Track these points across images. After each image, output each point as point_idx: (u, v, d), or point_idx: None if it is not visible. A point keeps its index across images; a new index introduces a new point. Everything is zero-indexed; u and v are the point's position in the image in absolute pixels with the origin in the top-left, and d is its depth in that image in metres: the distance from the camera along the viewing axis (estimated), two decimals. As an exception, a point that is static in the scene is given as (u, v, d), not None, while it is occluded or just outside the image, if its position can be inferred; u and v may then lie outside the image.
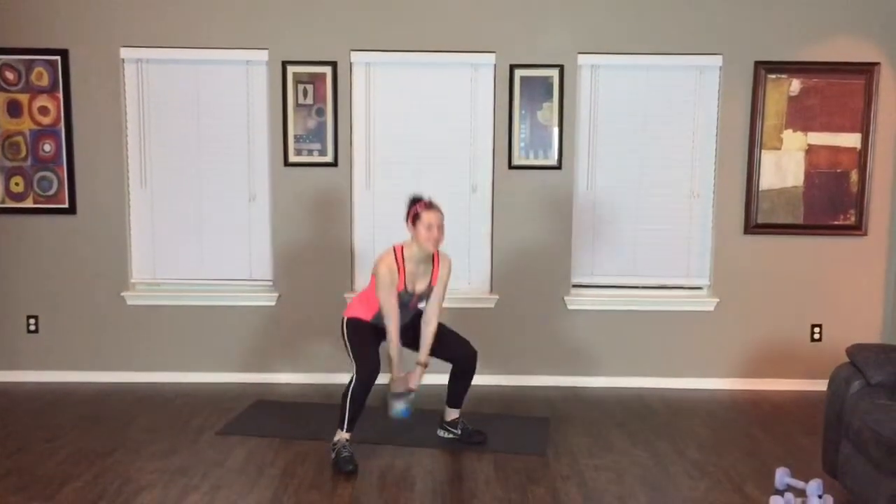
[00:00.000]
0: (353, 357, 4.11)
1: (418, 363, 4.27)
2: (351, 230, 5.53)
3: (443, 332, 4.36)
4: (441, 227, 4.13)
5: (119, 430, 4.58)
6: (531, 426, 4.74)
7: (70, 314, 5.53)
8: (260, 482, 3.89)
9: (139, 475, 3.95)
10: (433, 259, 4.23)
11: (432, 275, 4.24)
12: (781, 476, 3.85)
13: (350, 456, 4.01)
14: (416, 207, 4.13)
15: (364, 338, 4.16)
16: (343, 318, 4.25)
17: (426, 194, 4.23)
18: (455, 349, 4.36)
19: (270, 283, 5.59)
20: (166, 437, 4.48)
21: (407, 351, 4.31)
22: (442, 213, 4.16)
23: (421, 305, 4.30)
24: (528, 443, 4.45)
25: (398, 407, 4.21)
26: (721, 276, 5.55)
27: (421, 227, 4.08)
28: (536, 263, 5.53)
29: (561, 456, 4.27)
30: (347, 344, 4.17)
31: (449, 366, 4.40)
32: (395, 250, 4.15)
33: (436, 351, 4.33)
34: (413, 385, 4.25)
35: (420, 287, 4.21)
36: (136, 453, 4.23)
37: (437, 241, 4.12)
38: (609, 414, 4.99)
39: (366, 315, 4.22)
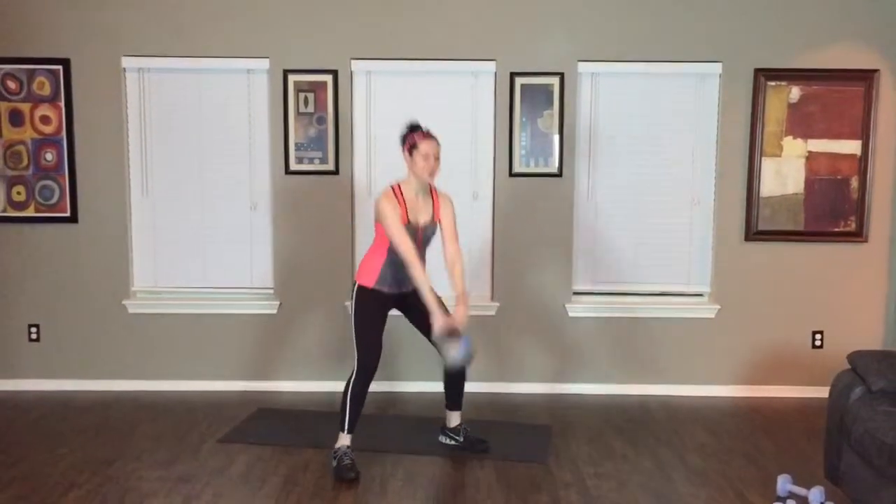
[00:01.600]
0: (355, 342, 4.08)
1: (458, 298, 4.13)
2: (352, 238, 5.53)
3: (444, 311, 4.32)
4: (438, 157, 4.10)
5: (121, 439, 4.58)
6: (533, 434, 4.74)
7: (71, 323, 5.53)
8: (262, 490, 3.89)
9: (141, 483, 3.95)
10: (431, 194, 4.21)
11: (433, 208, 4.19)
12: (783, 483, 3.85)
13: (351, 463, 4.01)
14: (414, 136, 4.10)
15: (368, 319, 4.11)
16: (354, 283, 4.20)
17: (423, 124, 4.19)
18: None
19: (272, 291, 5.60)
20: (168, 445, 4.49)
21: (419, 340, 4.29)
22: (439, 143, 4.12)
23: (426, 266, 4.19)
24: (530, 450, 4.45)
25: (453, 353, 4.00)
26: (722, 283, 5.56)
27: (418, 156, 4.06)
28: (537, 271, 5.53)
29: (563, 463, 4.27)
30: (353, 319, 4.12)
31: (441, 370, 4.39)
32: (392, 187, 4.14)
33: (426, 328, 4.22)
34: (459, 324, 4.05)
35: (423, 219, 4.15)
36: (139, 461, 4.23)
37: (434, 171, 4.10)
38: (611, 421, 4.99)
39: (370, 276, 4.13)
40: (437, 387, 4.54)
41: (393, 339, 4.24)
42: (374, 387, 4.24)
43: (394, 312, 4.25)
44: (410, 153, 4.09)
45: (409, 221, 4.08)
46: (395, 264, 4.10)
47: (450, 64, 5.40)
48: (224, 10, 5.34)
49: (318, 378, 5.53)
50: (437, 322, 4.01)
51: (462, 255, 4.28)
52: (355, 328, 4.12)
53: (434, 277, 4.16)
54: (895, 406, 3.44)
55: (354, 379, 4.07)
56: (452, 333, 4.00)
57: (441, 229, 4.23)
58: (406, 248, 4.01)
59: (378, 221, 4.11)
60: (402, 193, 4.11)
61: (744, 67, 5.40)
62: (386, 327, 4.21)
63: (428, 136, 4.11)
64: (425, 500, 3.83)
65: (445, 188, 5.45)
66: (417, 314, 4.21)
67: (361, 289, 4.15)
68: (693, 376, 5.59)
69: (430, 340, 4.29)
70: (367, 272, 4.16)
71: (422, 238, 4.17)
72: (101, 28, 5.34)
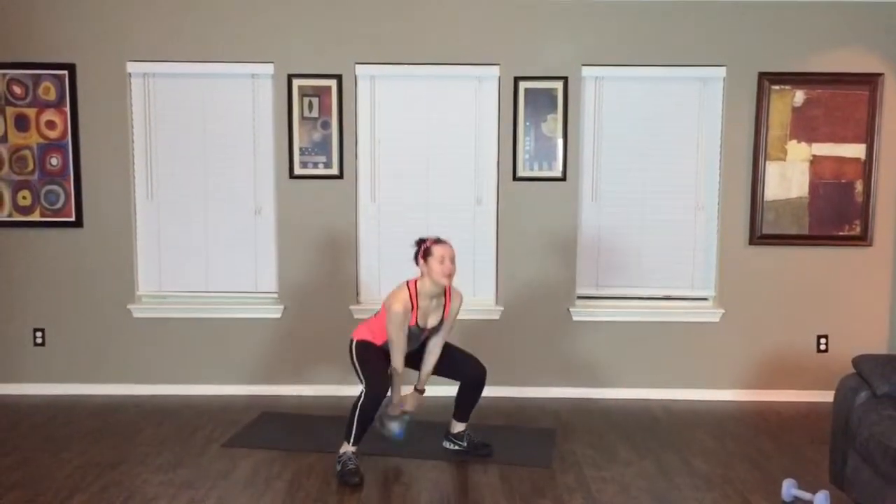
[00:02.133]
0: (363, 375, 4.12)
1: (416, 389, 4.33)
2: (356, 242, 5.54)
3: (450, 352, 4.37)
4: (453, 259, 4.12)
5: (125, 443, 4.58)
6: (537, 438, 4.73)
7: (76, 327, 5.54)
8: (266, 495, 3.89)
9: (145, 487, 3.95)
10: (445, 293, 4.22)
11: (444, 309, 4.24)
12: (788, 487, 3.84)
13: (356, 468, 4.01)
14: (426, 244, 4.14)
15: (373, 357, 4.18)
16: (352, 340, 4.26)
17: (432, 234, 4.26)
18: (462, 369, 4.36)
19: (276, 296, 5.60)
20: (172, 449, 4.49)
21: (410, 371, 4.34)
22: (452, 247, 4.15)
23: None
24: (534, 455, 4.44)
25: (392, 427, 4.29)
26: (726, 287, 5.55)
27: (433, 261, 4.07)
28: (542, 275, 5.53)
29: (567, 468, 4.26)
30: (356, 364, 4.18)
31: (459, 383, 4.42)
32: (408, 286, 4.15)
33: (443, 371, 4.36)
34: (409, 408, 4.32)
35: (431, 322, 4.22)
36: (143, 466, 4.24)
37: (452, 274, 4.12)
38: (615, 425, 4.99)
39: (375, 340, 4.23)
40: (441, 391, 4.54)
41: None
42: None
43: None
44: (425, 260, 4.11)
45: (416, 324, 4.16)
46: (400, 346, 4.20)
47: (454, 69, 5.41)
48: (229, 15, 5.36)
49: (322, 382, 5.54)
50: (394, 400, 4.25)
51: (443, 343, 4.35)
52: (361, 367, 4.16)
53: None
54: (900, 410, 3.43)
55: (363, 402, 4.06)
56: (401, 413, 4.30)
57: (442, 318, 4.29)
58: (397, 341, 4.11)
59: (386, 309, 4.16)
60: (416, 297, 4.13)
61: (748, 71, 5.40)
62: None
63: (440, 241, 4.15)
64: (429, 504, 3.83)
65: (450, 193, 5.49)
66: (417, 354, 4.34)
67: (362, 341, 4.24)
68: (697, 380, 5.58)
69: (464, 385, 4.40)
70: (370, 337, 4.25)
71: (426, 336, 4.28)
72: (106, 33, 5.36)
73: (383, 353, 4.22)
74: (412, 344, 4.24)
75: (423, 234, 4.28)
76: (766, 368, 5.58)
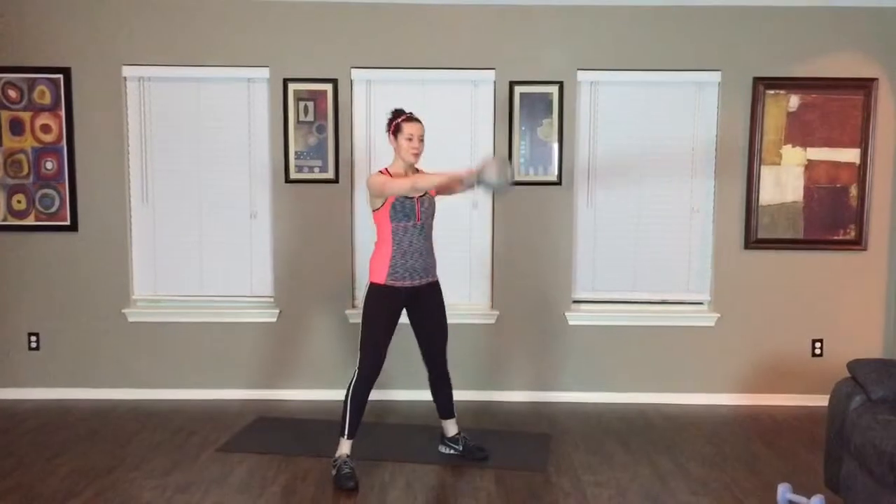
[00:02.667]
0: (361, 344, 4.11)
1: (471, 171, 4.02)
2: (352, 246, 5.54)
3: (438, 304, 4.33)
4: (422, 139, 4.14)
5: (120, 447, 4.57)
6: (532, 442, 4.73)
7: (71, 331, 5.53)
8: (261, 499, 3.88)
9: (140, 492, 3.94)
10: (417, 171, 4.23)
11: None
12: (783, 492, 3.84)
13: (351, 472, 4.01)
14: (398, 120, 4.15)
15: (377, 319, 4.13)
16: (368, 283, 4.21)
17: (407, 108, 4.24)
18: (434, 330, 4.32)
19: (271, 300, 5.60)
20: (167, 454, 4.48)
21: (411, 346, 4.34)
22: (423, 125, 4.17)
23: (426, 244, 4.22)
24: (530, 459, 4.44)
25: (490, 176, 3.86)
26: (721, 292, 5.56)
27: (402, 138, 4.11)
28: (537, 279, 5.53)
29: (562, 472, 4.26)
30: (362, 319, 4.16)
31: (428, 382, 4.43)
32: (380, 170, 4.20)
33: (419, 319, 4.29)
34: (477, 167, 3.94)
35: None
36: (137, 470, 4.23)
37: (419, 152, 4.14)
38: (610, 429, 4.99)
39: (381, 271, 4.14)
40: (425, 395, 4.54)
41: (394, 346, 4.23)
42: (373, 395, 4.25)
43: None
44: (395, 136, 4.15)
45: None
46: (405, 252, 4.13)
47: (449, 73, 5.42)
48: (224, 20, 5.36)
49: (317, 387, 5.53)
50: (464, 174, 3.95)
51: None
52: (363, 328, 4.15)
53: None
54: (895, 415, 3.44)
55: (355, 383, 4.07)
56: (475, 175, 3.90)
57: (441, 189, 4.22)
58: (403, 182, 3.99)
59: (374, 209, 4.13)
60: (390, 173, 4.15)
61: (743, 76, 5.41)
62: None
63: (412, 118, 4.16)
64: (424, 508, 3.83)
65: (445, 198, 5.48)
66: (425, 313, 4.28)
67: (374, 286, 4.17)
68: (693, 384, 5.58)
69: (424, 350, 4.36)
70: (378, 268, 4.17)
71: (419, 210, 4.15)
72: (101, 37, 5.36)
73: (395, 305, 4.17)
74: (417, 239, 4.13)
75: (399, 107, 4.24)
76: (762, 373, 5.58)
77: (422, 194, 4.15)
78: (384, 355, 4.15)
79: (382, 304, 4.15)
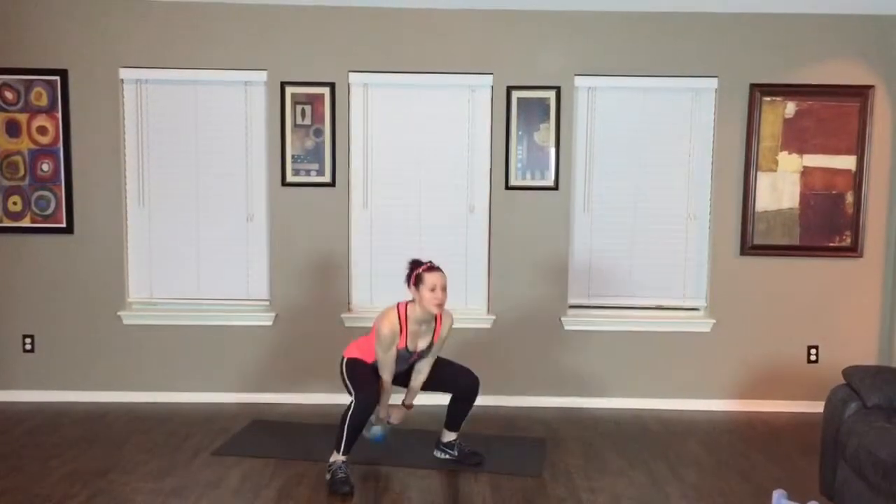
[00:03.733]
0: (352, 388, 4.13)
1: (403, 404, 4.38)
2: (348, 250, 5.54)
3: (441, 365, 4.37)
4: (444, 288, 4.09)
5: (114, 451, 4.56)
6: (528, 447, 4.73)
7: (66, 333, 5.52)
8: (256, 503, 3.87)
9: (134, 496, 3.93)
10: (436, 317, 4.22)
11: (434, 332, 4.23)
12: (778, 498, 3.82)
13: (346, 477, 4.00)
14: (418, 270, 4.11)
15: (362, 373, 4.18)
16: (343, 358, 4.26)
17: (425, 257, 4.25)
18: (454, 382, 4.36)
19: (267, 303, 5.59)
20: (162, 457, 4.47)
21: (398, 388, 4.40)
22: (445, 275, 4.12)
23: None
24: (525, 464, 4.44)
25: (375, 430, 4.31)
26: (717, 298, 5.56)
27: (424, 289, 4.06)
28: (533, 284, 5.53)
29: (558, 477, 4.26)
30: (346, 379, 4.19)
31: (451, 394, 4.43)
32: (398, 308, 4.15)
33: (434, 385, 4.37)
34: (394, 421, 4.37)
35: (421, 345, 4.22)
36: (132, 474, 4.22)
37: (442, 303, 4.10)
38: (606, 435, 4.99)
39: (365, 358, 4.24)
40: (435, 400, 4.53)
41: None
42: (369, 399, 4.25)
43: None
44: (417, 287, 4.10)
45: (405, 347, 4.15)
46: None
47: (447, 77, 5.42)
48: (222, 23, 5.36)
49: (313, 390, 5.52)
50: (384, 411, 4.32)
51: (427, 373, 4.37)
52: (351, 382, 4.17)
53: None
54: (890, 421, 3.45)
55: (353, 411, 4.05)
56: (386, 421, 4.36)
57: (432, 342, 4.28)
58: (385, 362, 4.15)
59: (375, 330, 4.17)
60: (406, 320, 4.13)
61: (739, 82, 5.42)
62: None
63: (433, 268, 4.13)
64: (419, 513, 3.82)
65: (442, 201, 5.49)
66: (429, 377, 4.37)
67: (353, 359, 4.24)
68: (688, 390, 5.58)
69: (453, 393, 4.40)
70: (361, 356, 4.25)
71: (416, 359, 4.28)
72: (98, 39, 5.36)
73: (372, 370, 4.23)
74: (401, 365, 4.25)
75: (418, 256, 4.27)
76: (757, 378, 5.59)
77: (425, 347, 4.23)
78: (378, 390, 4.18)
79: (363, 366, 4.23)
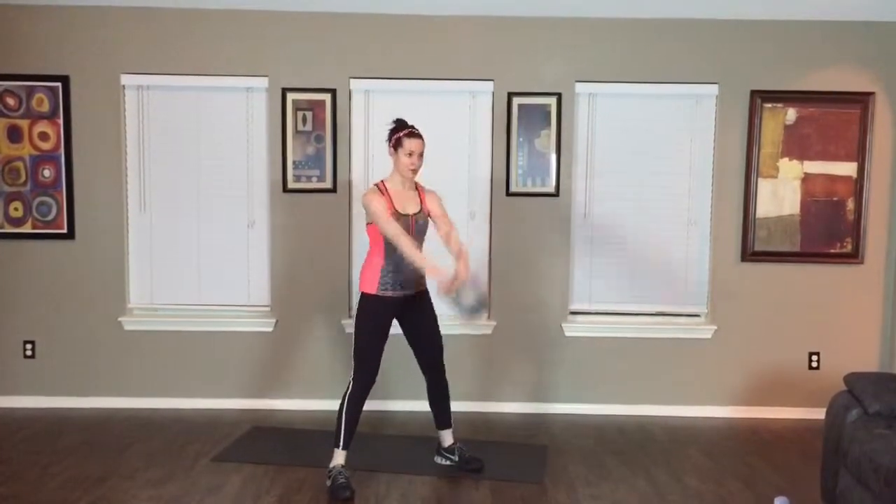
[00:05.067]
0: (355, 357, 4.11)
1: (457, 256, 4.13)
2: (349, 256, 5.54)
3: (429, 313, 4.32)
4: (421, 155, 4.14)
5: (114, 457, 4.56)
6: (529, 454, 4.72)
7: (67, 339, 5.52)
8: (256, 510, 3.87)
9: (134, 502, 3.93)
10: (417, 190, 4.24)
11: (420, 201, 4.22)
12: (780, 505, 3.83)
13: (346, 483, 3.99)
14: (400, 133, 4.14)
15: (370, 329, 4.13)
16: (361, 294, 4.21)
17: (410, 121, 4.23)
18: (424, 342, 4.32)
19: (268, 309, 5.59)
20: (162, 463, 4.46)
21: (408, 356, 4.35)
22: (424, 141, 4.16)
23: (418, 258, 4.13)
24: (526, 471, 4.43)
25: (462, 302, 3.97)
26: (718, 304, 5.56)
27: (402, 153, 4.11)
28: (534, 290, 5.53)
29: (559, 484, 4.25)
30: (355, 332, 4.16)
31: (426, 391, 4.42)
32: (376, 184, 4.21)
33: (412, 329, 4.30)
34: (460, 278, 3.98)
35: (411, 209, 4.16)
36: (132, 480, 4.21)
37: (417, 168, 4.14)
38: (607, 442, 4.98)
39: (372, 282, 4.15)
40: (423, 406, 4.52)
41: (388, 357, 4.23)
42: (369, 405, 4.25)
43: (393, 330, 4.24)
44: (395, 149, 4.15)
45: (396, 211, 4.11)
46: (395, 263, 4.12)
47: (448, 84, 5.43)
48: (224, 29, 5.37)
49: (313, 396, 5.51)
50: (437, 278, 3.95)
51: (456, 228, 4.31)
52: (356, 339, 4.14)
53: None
54: (891, 428, 3.44)
55: (350, 393, 4.07)
56: (452, 288, 3.94)
57: (432, 218, 4.27)
58: (394, 229, 4.02)
59: (368, 222, 4.14)
60: (387, 188, 4.15)
61: (740, 89, 5.43)
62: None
63: (413, 133, 4.15)
64: (420, 520, 3.82)
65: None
66: (417, 322, 4.28)
67: (365, 297, 4.17)
68: (689, 397, 5.57)
69: (421, 359, 4.35)
70: (369, 279, 4.17)
71: (414, 227, 4.16)
72: (100, 45, 5.37)
73: (387, 315, 4.17)
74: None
75: (402, 119, 4.24)
76: (758, 385, 5.58)
77: (416, 211, 4.17)
78: (378, 365, 4.15)
79: (374, 314, 4.16)
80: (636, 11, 5.29)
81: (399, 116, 4.25)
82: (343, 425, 4.06)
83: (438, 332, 4.35)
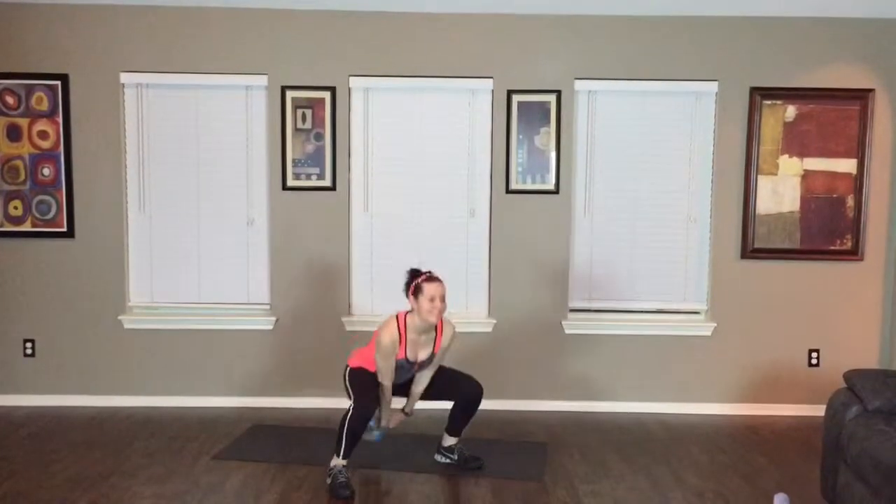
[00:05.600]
0: (353, 393, 4.14)
1: (402, 411, 4.40)
2: (349, 254, 5.54)
3: (444, 374, 4.37)
4: (443, 298, 4.10)
5: (115, 455, 4.56)
6: (529, 451, 4.72)
7: (67, 338, 5.52)
8: (256, 508, 3.87)
9: (135, 500, 3.93)
10: (436, 327, 4.22)
11: (435, 342, 4.24)
12: (780, 502, 3.83)
13: (346, 481, 3.99)
14: (417, 280, 4.12)
15: (364, 380, 4.19)
16: (347, 367, 4.27)
17: (425, 267, 4.24)
18: (457, 391, 4.36)
19: (268, 307, 5.59)
20: (162, 461, 4.46)
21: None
22: (444, 285, 4.13)
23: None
24: (526, 468, 4.43)
25: (373, 432, 4.30)
26: (718, 301, 5.56)
27: (423, 300, 4.07)
28: (534, 288, 5.53)
29: (559, 482, 4.25)
30: (349, 387, 4.19)
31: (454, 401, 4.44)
32: (398, 318, 4.16)
33: (437, 394, 4.38)
34: (392, 425, 4.39)
35: (422, 356, 4.22)
36: (132, 478, 4.21)
37: (441, 313, 4.11)
38: (607, 439, 4.98)
39: (369, 367, 4.24)
40: (437, 405, 4.52)
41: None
42: (370, 404, 4.25)
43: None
44: (416, 297, 4.11)
45: (405, 357, 4.16)
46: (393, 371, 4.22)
47: (447, 81, 5.42)
48: (223, 27, 5.36)
49: (313, 395, 5.52)
50: (386, 416, 4.34)
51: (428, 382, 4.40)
52: (352, 388, 4.18)
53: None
54: (891, 425, 3.44)
55: (352, 414, 4.04)
56: (385, 425, 4.37)
57: (433, 353, 4.29)
58: (385, 370, 4.14)
59: (375, 340, 4.18)
60: (405, 330, 4.14)
61: (740, 86, 5.43)
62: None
63: (431, 278, 4.13)
64: (420, 518, 3.82)
65: (443, 205, 5.49)
66: (432, 387, 4.38)
67: (357, 368, 4.24)
68: (689, 394, 5.58)
69: (459, 404, 4.40)
70: (365, 365, 4.24)
71: (417, 369, 4.28)
72: (99, 44, 5.36)
73: (374, 378, 4.23)
74: (402, 375, 4.25)
75: (417, 266, 4.26)
76: (758, 382, 5.58)
77: (426, 357, 4.23)
78: (378, 397, 4.21)
79: (367, 374, 4.23)
80: (636, 9, 5.29)
81: (413, 267, 4.24)
82: (344, 440, 4.04)
83: (466, 378, 4.38)
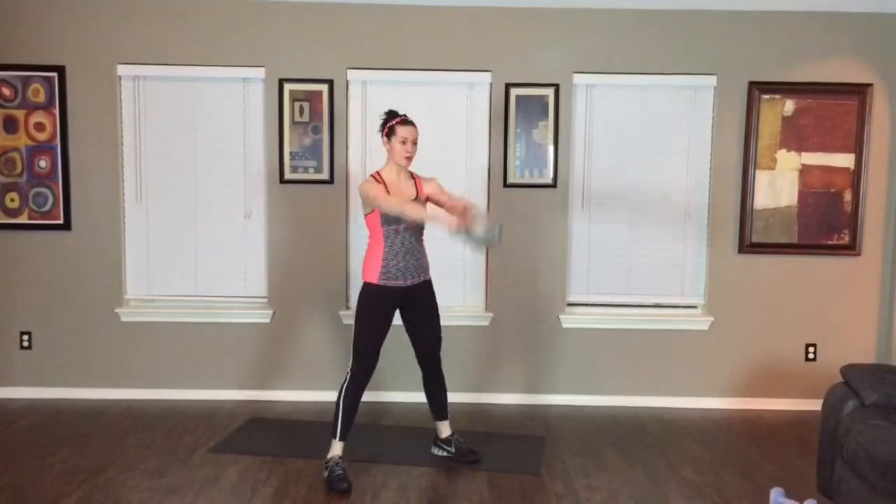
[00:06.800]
0: (354, 346, 4.10)
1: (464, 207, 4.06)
2: (346, 247, 5.53)
3: (429, 307, 4.30)
4: (415, 142, 4.14)
5: (112, 448, 4.56)
6: (526, 445, 4.73)
7: (64, 330, 5.51)
8: (253, 501, 3.87)
9: (131, 493, 3.92)
10: (414, 179, 4.23)
11: (417, 188, 4.21)
12: (776, 496, 3.82)
13: (343, 474, 4.00)
14: (392, 122, 4.14)
15: (371, 319, 4.11)
16: (363, 284, 4.19)
17: (401, 110, 4.23)
18: (422, 335, 4.30)
19: (265, 300, 5.59)
20: (159, 454, 4.46)
21: (405, 347, 4.34)
22: (416, 128, 4.16)
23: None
24: (523, 462, 4.44)
25: (478, 233, 3.87)
26: (715, 295, 5.56)
27: (395, 141, 4.11)
28: (532, 282, 5.53)
29: (555, 475, 4.26)
30: (355, 319, 4.14)
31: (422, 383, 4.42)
32: (372, 174, 4.19)
33: (412, 319, 4.28)
34: (470, 213, 3.94)
35: (408, 196, 4.15)
36: (129, 471, 4.21)
37: (411, 156, 4.14)
38: (604, 433, 4.99)
39: (374, 271, 4.12)
40: (420, 398, 4.53)
41: (386, 348, 4.22)
42: (367, 396, 4.25)
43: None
44: (388, 138, 4.14)
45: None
46: (397, 253, 4.12)
47: (445, 74, 5.41)
48: (220, 19, 5.35)
49: (310, 388, 5.52)
50: (447, 220, 3.90)
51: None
52: (355, 329, 4.13)
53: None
54: (888, 420, 3.45)
55: (348, 383, 4.06)
56: (462, 223, 3.86)
57: (432, 201, 4.25)
58: (396, 201, 4.00)
59: (366, 213, 4.13)
60: (382, 178, 4.15)
61: (738, 80, 5.42)
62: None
63: (406, 121, 4.14)
64: (417, 511, 3.82)
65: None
66: (418, 313, 4.26)
67: (367, 286, 4.15)
68: (686, 388, 5.58)
69: (418, 350, 4.34)
70: (371, 268, 4.15)
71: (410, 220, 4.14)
72: (96, 35, 5.34)
73: (386, 308, 4.14)
74: (401, 220, 4.06)
75: (395, 109, 4.24)
76: (755, 377, 5.59)
77: (412, 198, 4.15)
78: (377, 356, 4.14)
79: (375, 304, 4.14)
80: (635, 2, 5.28)
81: (391, 109, 4.23)
82: (340, 416, 4.06)
83: (439, 324, 4.35)
